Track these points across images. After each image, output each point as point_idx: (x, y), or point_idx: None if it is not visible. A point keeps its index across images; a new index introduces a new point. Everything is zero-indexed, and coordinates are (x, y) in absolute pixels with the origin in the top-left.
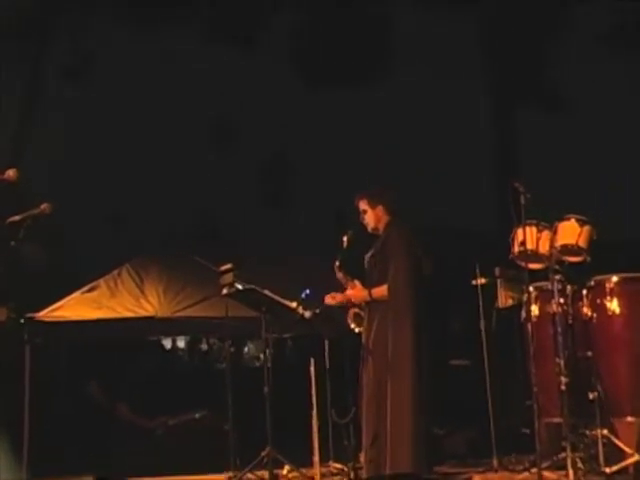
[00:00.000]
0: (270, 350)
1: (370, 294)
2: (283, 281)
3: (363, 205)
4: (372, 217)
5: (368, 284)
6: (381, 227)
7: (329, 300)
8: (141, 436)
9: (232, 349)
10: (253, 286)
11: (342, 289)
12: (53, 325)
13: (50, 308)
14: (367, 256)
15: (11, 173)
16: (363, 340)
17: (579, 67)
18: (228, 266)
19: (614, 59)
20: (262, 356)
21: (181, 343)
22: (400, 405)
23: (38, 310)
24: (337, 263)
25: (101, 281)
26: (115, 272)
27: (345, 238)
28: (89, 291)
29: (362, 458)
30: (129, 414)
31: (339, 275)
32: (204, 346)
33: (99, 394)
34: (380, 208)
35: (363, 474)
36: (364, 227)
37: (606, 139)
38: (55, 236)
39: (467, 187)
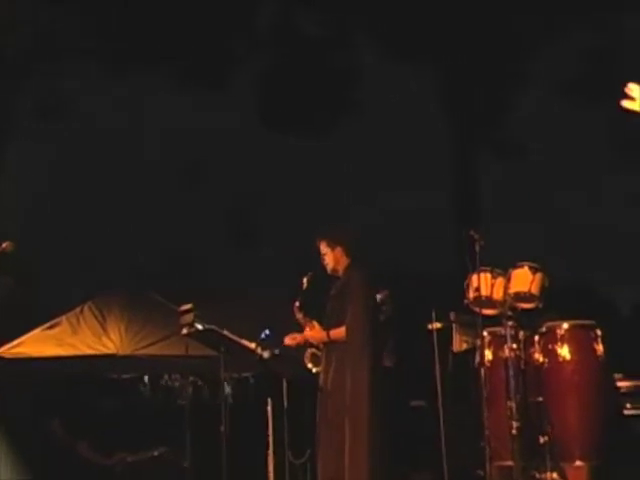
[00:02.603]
0: (228, 389)
1: (328, 335)
2: (245, 320)
3: (323, 247)
4: (331, 258)
5: (327, 325)
6: (340, 269)
7: (288, 341)
8: (100, 473)
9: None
10: (212, 327)
11: (302, 329)
12: (13, 362)
13: (10, 344)
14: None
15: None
16: (320, 381)
17: (537, 117)
18: (188, 306)
19: (572, 110)
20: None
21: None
22: (357, 447)
23: None
24: (297, 304)
25: (63, 318)
26: (77, 309)
27: (305, 279)
28: (50, 328)
29: None
30: (89, 452)
31: (298, 316)
32: (167, 382)
33: (62, 432)
34: (339, 250)
35: None
36: (324, 269)
37: (563, 186)
38: (24, 273)
39: (426, 233)
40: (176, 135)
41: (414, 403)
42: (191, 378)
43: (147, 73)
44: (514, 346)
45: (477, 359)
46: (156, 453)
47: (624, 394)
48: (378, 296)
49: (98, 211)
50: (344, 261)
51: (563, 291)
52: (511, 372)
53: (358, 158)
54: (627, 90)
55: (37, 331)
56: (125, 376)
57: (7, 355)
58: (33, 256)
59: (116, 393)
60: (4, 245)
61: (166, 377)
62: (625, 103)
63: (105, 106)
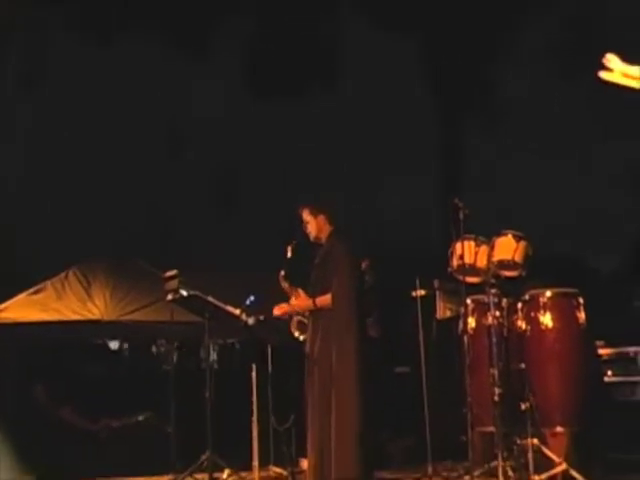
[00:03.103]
0: (212, 355)
1: (314, 303)
2: (230, 287)
3: (305, 215)
4: (314, 226)
5: (312, 293)
6: (323, 236)
7: (277, 312)
8: (85, 438)
9: (178, 352)
10: (197, 293)
11: (288, 298)
12: None
13: None
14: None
15: None
16: (307, 348)
17: (520, 83)
18: (173, 272)
19: (553, 76)
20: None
21: (127, 345)
22: (344, 413)
23: None
24: (282, 273)
25: (48, 283)
26: (62, 275)
27: (289, 248)
28: (35, 293)
29: (304, 464)
30: (73, 417)
31: (284, 285)
32: (153, 348)
33: (44, 398)
34: (322, 217)
35: None
36: (308, 236)
37: (545, 154)
38: (6, 236)
39: (411, 200)
40: (159, 102)
41: (399, 369)
42: (176, 344)
43: (130, 40)
44: (497, 314)
45: (460, 326)
46: (141, 418)
47: (605, 361)
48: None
49: (82, 178)
50: (327, 229)
51: (547, 259)
52: (494, 339)
53: (341, 126)
54: (605, 61)
55: (22, 296)
56: (110, 341)
57: None
58: (12, 222)
59: (101, 359)
60: None
61: (151, 343)
62: (602, 74)
63: (87, 74)
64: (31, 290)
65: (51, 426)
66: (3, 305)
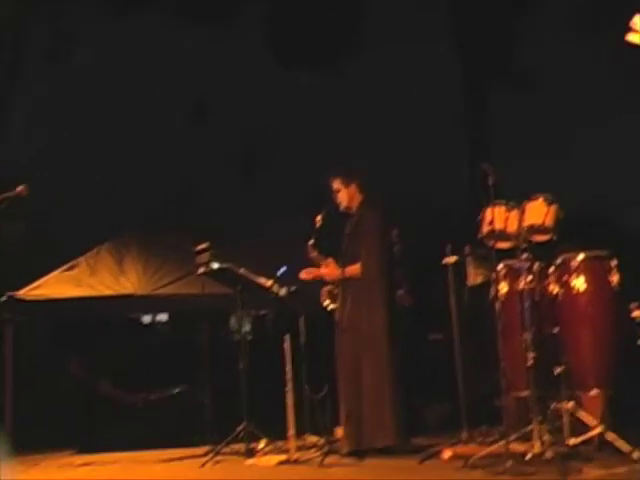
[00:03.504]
0: (245, 327)
1: (344, 272)
2: (261, 258)
3: (337, 184)
4: (345, 196)
5: (342, 263)
6: (354, 206)
7: (304, 275)
8: (121, 411)
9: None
10: (228, 265)
11: (318, 267)
12: (33, 303)
13: (30, 286)
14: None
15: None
16: (337, 317)
17: (548, 47)
18: (204, 245)
19: (581, 40)
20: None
21: (162, 318)
22: (377, 380)
23: (20, 288)
24: (311, 242)
25: (81, 259)
26: (95, 250)
27: (318, 218)
28: (69, 269)
29: (339, 432)
30: (110, 391)
31: (313, 254)
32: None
33: (80, 371)
34: (353, 187)
35: (341, 448)
36: (338, 206)
37: (573, 118)
38: (39, 213)
39: (440, 167)
40: (183, 72)
41: (432, 336)
42: (209, 316)
43: (155, 9)
44: (529, 278)
45: (492, 292)
46: (177, 391)
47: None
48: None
49: (107, 151)
50: (358, 198)
51: (579, 222)
52: (526, 304)
53: (368, 93)
54: (632, 24)
55: (56, 273)
56: (144, 315)
57: (27, 297)
58: (46, 198)
59: (135, 332)
60: (19, 189)
61: (184, 316)
62: (630, 37)
63: (112, 44)
64: (65, 267)
65: (88, 397)
66: (38, 282)
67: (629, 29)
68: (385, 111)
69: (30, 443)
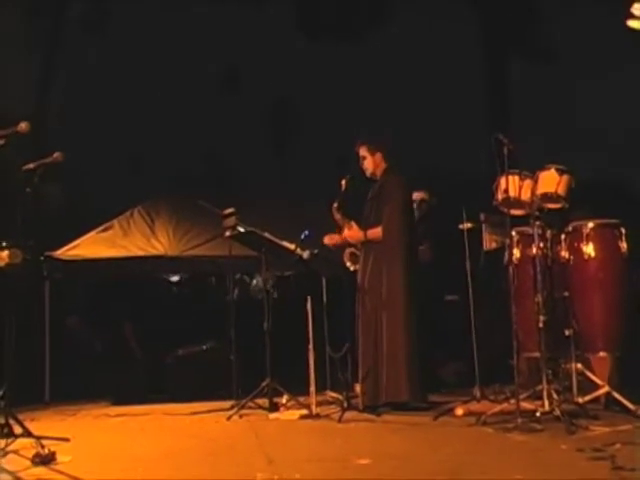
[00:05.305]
0: (270, 288)
1: (365, 235)
2: (285, 222)
3: (363, 151)
4: (371, 163)
5: (364, 226)
6: (379, 173)
7: (327, 240)
8: (152, 366)
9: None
10: (254, 229)
11: (339, 230)
12: (70, 262)
13: (67, 247)
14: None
15: (23, 126)
16: (359, 279)
17: (567, 19)
18: (231, 210)
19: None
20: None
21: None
22: (395, 337)
23: (58, 248)
24: (335, 205)
25: (115, 222)
26: (128, 213)
27: (343, 182)
28: (104, 231)
29: (358, 389)
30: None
31: (337, 216)
32: (213, 281)
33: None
34: (379, 155)
35: (359, 404)
36: (363, 172)
37: (592, 89)
38: (74, 178)
39: (458, 135)
40: (215, 43)
41: (448, 297)
42: (237, 276)
43: None
44: (541, 244)
45: (506, 257)
46: (205, 347)
47: None
48: (415, 194)
49: (141, 118)
50: (382, 165)
51: (592, 187)
52: (538, 269)
53: (393, 63)
54: (632, 10)
55: (91, 234)
56: (174, 276)
57: (65, 257)
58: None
59: (165, 291)
60: (55, 155)
61: (213, 276)
62: (630, 22)
63: (147, 16)
64: (100, 228)
65: (120, 354)
66: (74, 243)
67: (630, 15)
68: (408, 79)
69: (65, 393)
